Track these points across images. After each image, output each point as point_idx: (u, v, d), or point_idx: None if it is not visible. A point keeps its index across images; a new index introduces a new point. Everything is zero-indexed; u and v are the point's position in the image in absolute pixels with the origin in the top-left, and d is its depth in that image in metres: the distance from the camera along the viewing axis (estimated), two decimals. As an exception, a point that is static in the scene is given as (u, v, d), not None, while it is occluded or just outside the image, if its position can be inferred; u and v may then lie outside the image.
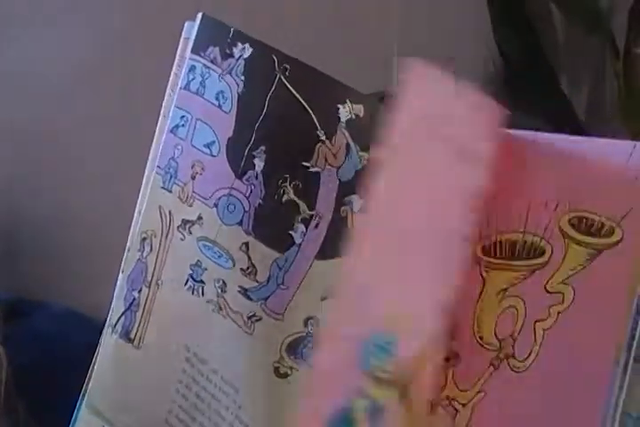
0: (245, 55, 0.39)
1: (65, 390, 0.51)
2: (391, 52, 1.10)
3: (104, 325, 0.55)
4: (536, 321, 0.31)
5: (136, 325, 0.41)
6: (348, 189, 0.35)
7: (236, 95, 0.38)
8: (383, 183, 0.27)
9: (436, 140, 0.29)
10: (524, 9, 1.08)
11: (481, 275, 0.33)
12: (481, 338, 0.32)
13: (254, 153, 0.37)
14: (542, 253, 0.32)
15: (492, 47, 1.08)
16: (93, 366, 0.40)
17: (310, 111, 0.37)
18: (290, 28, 1.08)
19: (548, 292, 0.31)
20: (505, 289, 0.32)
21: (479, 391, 0.31)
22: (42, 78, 1.02)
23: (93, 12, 1.05)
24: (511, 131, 0.34)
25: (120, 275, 0.41)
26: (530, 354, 0.31)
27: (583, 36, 1.10)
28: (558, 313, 0.31)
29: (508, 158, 0.32)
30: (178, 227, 0.40)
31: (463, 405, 0.32)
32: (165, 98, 0.42)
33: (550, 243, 0.31)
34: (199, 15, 0.40)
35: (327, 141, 0.37)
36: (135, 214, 0.44)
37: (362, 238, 0.27)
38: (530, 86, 1.08)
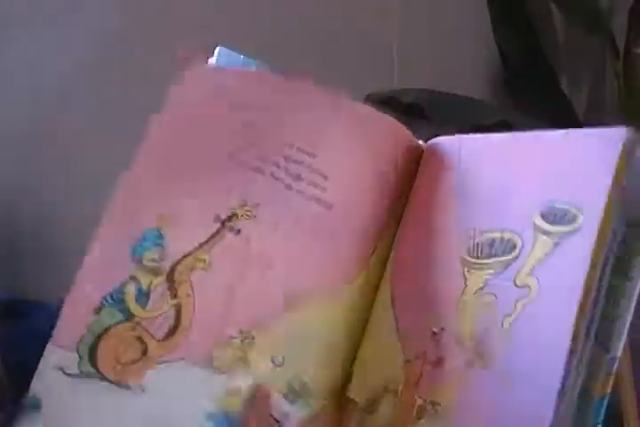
0: None
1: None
2: (391, 51, 1.10)
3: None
4: (505, 316, 0.32)
5: None
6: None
7: None
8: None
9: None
10: (524, 9, 1.08)
11: (464, 276, 0.33)
12: (460, 338, 0.33)
13: None
14: (514, 247, 0.32)
15: (491, 47, 1.08)
16: None
17: None
18: (290, 28, 1.08)
19: (516, 286, 0.32)
20: (481, 288, 0.33)
21: (457, 392, 0.32)
22: (42, 78, 1.02)
23: (93, 11, 1.05)
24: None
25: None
26: (498, 350, 0.31)
27: (583, 36, 1.10)
28: (524, 306, 0.31)
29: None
30: None
31: (445, 407, 0.32)
32: None
33: (522, 237, 0.32)
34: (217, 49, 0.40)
35: None
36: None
37: (146, 153, 0.34)
38: (530, 86, 1.08)
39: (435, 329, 0.34)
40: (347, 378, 0.36)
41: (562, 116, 1.08)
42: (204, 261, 0.32)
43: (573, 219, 0.31)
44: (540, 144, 0.34)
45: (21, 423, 0.32)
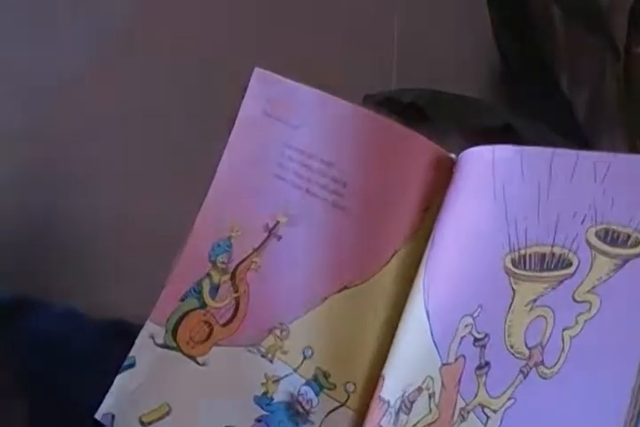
0: None
1: (65, 390, 0.51)
2: (391, 51, 1.10)
3: (104, 325, 0.56)
4: (564, 329, 0.32)
5: None
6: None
7: None
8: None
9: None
10: (524, 9, 1.08)
11: (511, 287, 0.34)
12: (511, 347, 0.33)
13: None
14: (570, 264, 0.33)
15: (491, 47, 1.08)
16: None
17: None
18: (290, 28, 1.08)
19: (575, 301, 0.32)
20: (534, 300, 0.33)
21: (509, 398, 0.32)
22: (41, 78, 1.02)
23: (94, 12, 1.05)
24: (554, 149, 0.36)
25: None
26: (558, 361, 0.32)
27: (583, 36, 1.10)
28: (585, 321, 0.32)
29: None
30: None
31: (494, 411, 0.33)
32: None
33: (577, 254, 0.33)
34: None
35: None
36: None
37: (220, 174, 0.42)
38: (530, 86, 1.08)
39: (478, 335, 0.35)
40: (376, 376, 0.38)
41: (562, 116, 1.08)
42: (256, 263, 0.40)
43: (636, 243, 0.31)
44: (587, 162, 0.34)
45: (121, 378, 0.40)
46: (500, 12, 1.05)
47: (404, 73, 1.09)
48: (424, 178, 0.39)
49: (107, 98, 1.07)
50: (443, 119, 1.10)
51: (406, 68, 1.09)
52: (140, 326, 0.57)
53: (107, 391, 0.46)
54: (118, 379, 0.41)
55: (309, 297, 0.39)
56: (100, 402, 0.44)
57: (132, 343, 0.51)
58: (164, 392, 0.39)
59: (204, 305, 0.40)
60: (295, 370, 0.38)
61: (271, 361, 0.39)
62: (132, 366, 0.41)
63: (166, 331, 0.40)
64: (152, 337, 0.41)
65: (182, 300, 0.40)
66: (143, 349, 0.41)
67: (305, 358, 0.39)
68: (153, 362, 0.40)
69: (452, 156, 0.39)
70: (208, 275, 0.40)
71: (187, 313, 0.40)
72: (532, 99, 1.08)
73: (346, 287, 0.39)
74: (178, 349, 0.40)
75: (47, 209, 1.02)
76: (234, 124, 0.44)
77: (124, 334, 0.57)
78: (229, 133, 0.43)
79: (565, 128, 1.04)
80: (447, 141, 1.19)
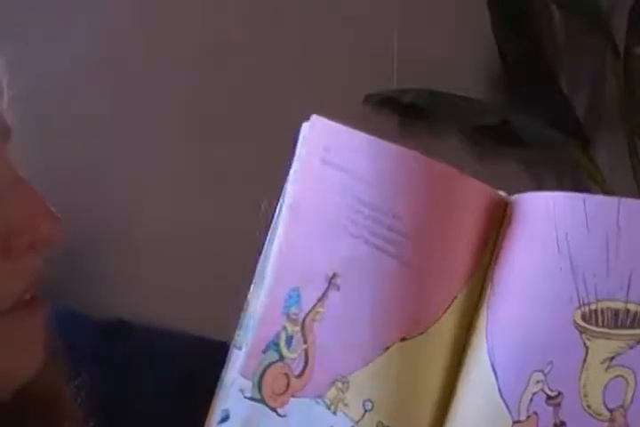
0: None
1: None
2: (391, 51, 1.10)
3: (103, 325, 0.55)
4: None
5: None
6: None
7: None
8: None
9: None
10: (524, 9, 1.08)
11: (584, 343, 0.33)
12: (589, 407, 0.32)
13: None
14: None
15: (491, 47, 1.08)
16: None
17: None
18: (290, 28, 1.08)
19: None
20: (611, 358, 0.32)
21: None
22: (42, 78, 1.02)
23: (94, 12, 1.05)
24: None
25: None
26: None
27: (583, 36, 1.10)
28: None
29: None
30: None
31: None
32: None
33: None
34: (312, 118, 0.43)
35: None
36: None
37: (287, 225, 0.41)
38: (530, 86, 1.08)
39: (550, 393, 0.33)
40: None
41: (562, 116, 1.08)
42: (320, 313, 0.40)
43: None
44: None
45: None
46: (500, 11, 1.05)
47: (404, 73, 1.08)
48: (478, 220, 0.38)
49: (106, 98, 1.07)
50: (443, 119, 1.10)
51: (406, 68, 1.09)
52: (140, 326, 0.57)
53: (107, 391, 0.46)
54: None
55: (368, 349, 0.39)
56: (100, 402, 0.44)
57: (132, 343, 0.51)
58: None
59: (282, 357, 0.41)
60: (357, 423, 0.39)
61: (335, 413, 0.39)
62: (227, 418, 0.42)
63: (252, 384, 0.41)
64: (241, 391, 0.41)
65: (264, 352, 0.41)
66: (235, 402, 0.42)
67: (365, 411, 0.39)
68: (244, 415, 0.41)
69: (504, 195, 0.38)
70: (284, 327, 0.41)
71: (269, 366, 0.41)
72: (532, 99, 1.08)
73: (405, 338, 0.38)
74: (263, 401, 0.41)
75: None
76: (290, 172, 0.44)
77: (123, 334, 0.57)
78: (288, 183, 0.43)
79: (565, 127, 1.04)
80: (447, 141, 1.19)
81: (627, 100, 1.01)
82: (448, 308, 0.38)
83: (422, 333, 0.38)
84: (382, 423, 0.38)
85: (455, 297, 0.38)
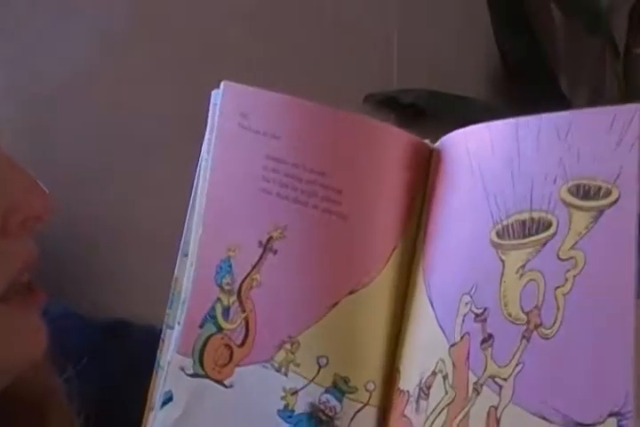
0: None
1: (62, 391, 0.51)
2: (392, 51, 1.10)
3: (103, 325, 0.55)
4: (556, 288, 0.33)
5: None
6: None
7: None
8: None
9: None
10: (524, 9, 1.08)
11: (500, 258, 0.35)
12: (509, 315, 0.34)
13: None
14: (549, 225, 0.34)
15: (491, 47, 1.08)
16: None
17: None
18: (290, 28, 1.08)
19: (560, 259, 0.33)
20: (522, 266, 0.34)
21: (517, 364, 0.33)
22: (41, 78, 1.02)
23: (94, 12, 1.06)
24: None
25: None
26: (556, 320, 0.33)
27: (583, 36, 1.10)
28: (574, 277, 0.32)
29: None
30: None
31: (505, 379, 0.34)
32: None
33: (555, 214, 0.33)
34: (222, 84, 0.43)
35: None
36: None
37: (209, 194, 0.41)
38: (530, 86, 1.09)
39: (476, 311, 0.35)
40: (392, 370, 0.39)
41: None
42: (257, 280, 0.40)
43: (608, 193, 0.32)
44: (546, 124, 0.35)
45: (161, 412, 0.41)
46: (500, 11, 1.05)
47: (404, 73, 1.09)
48: (405, 167, 0.39)
49: (106, 98, 1.07)
50: (443, 119, 1.11)
51: (406, 68, 1.09)
52: (140, 327, 0.57)
53: (106, 391, 0.46)
54: (159, 414, 0.41)
55: (314, 307, 0.39)
56: (100, 401, 0.44)
57: (132, 343, 0.51)
58: (199, 420, 0.40)
59: (220, 329, 0.40)
60: (312, 380, 0.39)
61: (286, 375, 0.39)
62: (169, 400, 0.41)
63: (193, 361, 0.41)
64: (182, 369, 0.41)
65: (201, 327, 0.41)
66: (177, 381, 0.41)
67: (320, 367, 0.39)
68: (187, 393, 0.41)
69: (428, 142, 0.40)
70: (218, 299, 0.40)
71: (208, 339, 0.41)
72: (532, 99, 1.08)
73: (351, 292, 0.39)
74: (206, 375, 0.40)
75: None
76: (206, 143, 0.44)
77: (123, 334, 0.56)
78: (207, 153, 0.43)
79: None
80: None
81: (627, 100, 1.01)
82: (390, 257, 0.39)
83: (367, 284, 0.39)
84: (339, 375, 0.39)
85: (395, 246, 0.39)
